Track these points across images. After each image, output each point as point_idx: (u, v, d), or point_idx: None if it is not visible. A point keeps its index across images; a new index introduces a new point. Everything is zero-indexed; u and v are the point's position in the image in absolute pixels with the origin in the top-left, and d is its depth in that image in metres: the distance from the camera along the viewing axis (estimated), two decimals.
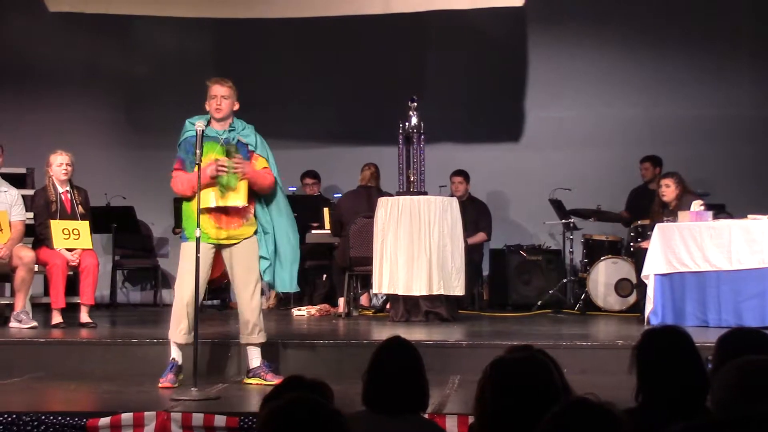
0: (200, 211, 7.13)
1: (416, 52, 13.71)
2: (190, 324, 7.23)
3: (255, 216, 7.47)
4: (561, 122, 13.53)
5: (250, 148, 7.47)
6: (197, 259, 7.06)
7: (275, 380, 6.99)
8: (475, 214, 12.29)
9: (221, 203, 7.31)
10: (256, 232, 7.47)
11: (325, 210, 12.10)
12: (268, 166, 7.49)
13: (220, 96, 7.52)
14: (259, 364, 7.43)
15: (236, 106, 7.62)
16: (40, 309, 10.22)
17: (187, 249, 7.32)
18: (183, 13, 12.58)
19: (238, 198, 7.31)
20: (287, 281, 7.61)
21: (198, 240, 7.04)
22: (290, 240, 7.58)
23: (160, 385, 7.18)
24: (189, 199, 7.38)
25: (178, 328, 7.30)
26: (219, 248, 7.46)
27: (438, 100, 12.71)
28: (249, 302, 7.44)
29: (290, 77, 13.70)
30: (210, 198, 7.28)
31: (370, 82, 13.52)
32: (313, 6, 12.24)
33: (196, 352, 6.99)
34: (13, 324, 9.48)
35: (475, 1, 12.09)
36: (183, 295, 7.32)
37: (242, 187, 7.31)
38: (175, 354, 7.38)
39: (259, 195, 7.46)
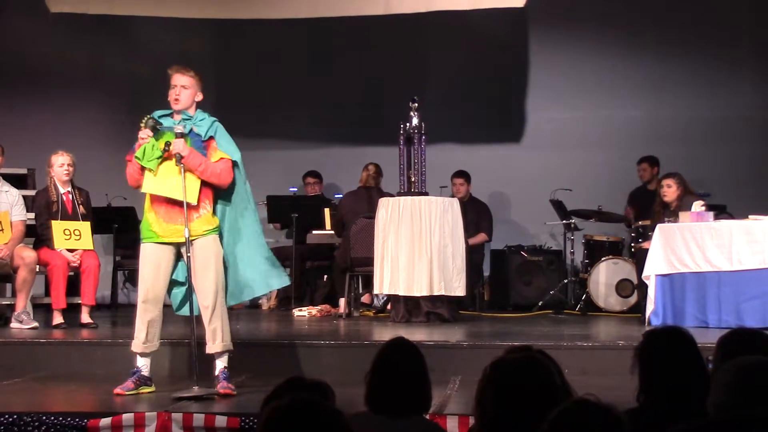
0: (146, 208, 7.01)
1: (417, 52, 13.71)
2: (152, 333, 7.03)
3: (216, 214, 7.12)
4: (562, 123, 13.53)
5: (203, 138, 7.08)
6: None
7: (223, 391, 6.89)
8: (476, 215, 12.29)
9: (162, 192, 7.00)
10: (215, 232, 7.07)
11: (326, 210, 12.10)
12: (227, 159, 7.11)
13: (180, 86, 7.12)
14: (216, 374, 7.10)
15: (199, 97, 7.19)
16: (41, 309, 10.24)
17: (143, 251, 7.12)
18: (184, 14, 12.58)
19: (175, 190, 6.93)
20: (262, 283, 7.35)
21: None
22: (256, 241, 7.30)
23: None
24: (138, 188, 7.17)
25: (137, 338, 7.06)
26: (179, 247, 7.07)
27: (439, 100, 12.71)
28: (204, 308, 7.05)
29: (291, 78, 13.71)
30: (148, 183, 7.02)
31: (371, 83, 13.52)
32: (314, 7, 12.23)
33: (195, 350, 6.97)
34: (14, 324, 9.49)
35: (475, 2, 12.09)
36: (140, 301, 7.09)
37: (192, 183, 6.95)
38: (140, 363, 7.11)
39: (219, 192, 7.13)
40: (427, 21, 12.66)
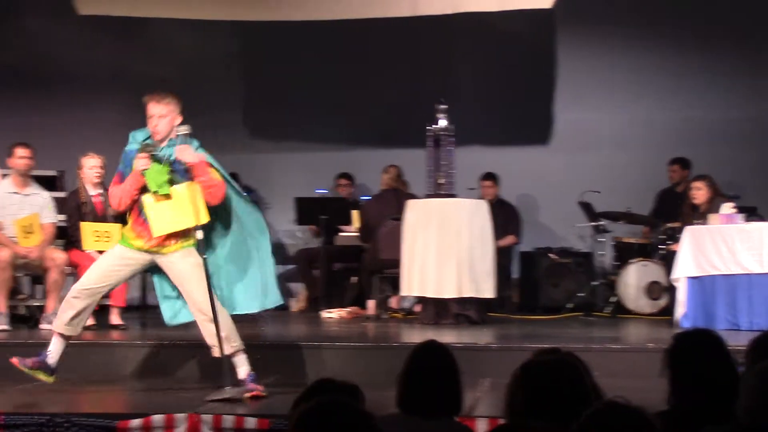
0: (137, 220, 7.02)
1: (444, 54, 13.68)
2: (81, 316, 7.05)
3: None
4: (590, 124, 13.48)
5: (189, 161, 7.00)
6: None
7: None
8: (504, 217, 12.26)
9: (177, 227, 6.93)
10: (190, 245, 7.03)
11: (354, 212, 12.11)
12: (218, 178, 7.05)
13: (157, 116, 7.06)
14: (243, 377, 7.07)
15: (178, 120, 7.08)
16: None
17: (113, 249, 7.17)
18: (209, 16, 12.62)
19: (186, 218, 6.87)
20: (249, 301, 7.29)
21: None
22: (248, 255, 7.29)
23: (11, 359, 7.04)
24: (123, 213, 7.13)
25: (63, 316, 7.07)
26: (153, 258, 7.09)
27: (466, 102, 12.68)
28: (198, 313, 7.05)
29: (317, 79, 13.70)
30: (157, 224, 6.92)
31: (399, 85, 13.51)
32: (340, 8, 12.25)
33: (223, 352, 6.98)
34: (44, 326, 9.52)
35: (502, 3, 12.08)
36: (80, 283, 7.13)
37: (187, 199, 6.89)
38: (53, 347, 7.10)
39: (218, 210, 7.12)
40: (454, 22, 12.64)
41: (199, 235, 6.88)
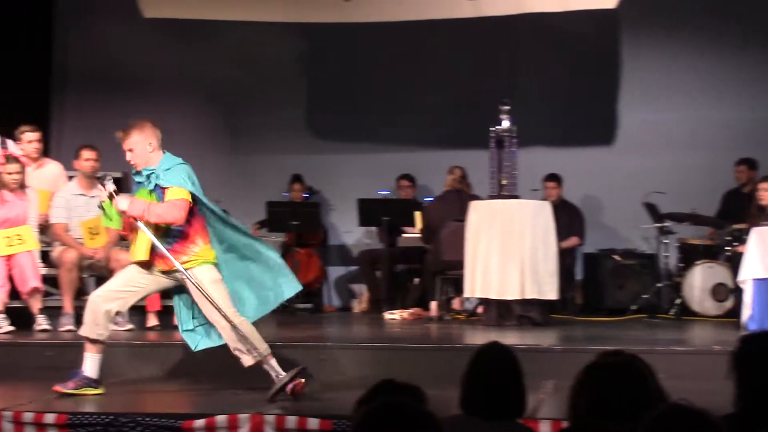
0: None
1: (507, 55, 13.65)
2: (103, 319, 7.16)
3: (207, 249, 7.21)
4: (655, 125, 13.37)
5: (163, 185, 7.09)
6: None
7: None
8: (568, 218, 12.20)
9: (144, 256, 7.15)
10: (200, 263, 7.16)
11: (417, 214, 12.10)
12: (178, 196, 7.05)
13: (128, 151, 7.19)
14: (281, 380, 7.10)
15: (151, 146, 7.16)
16: (136, 312, 10.35)
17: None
18: (276, 18, 12.70)
19: (144, 247, 7.12)
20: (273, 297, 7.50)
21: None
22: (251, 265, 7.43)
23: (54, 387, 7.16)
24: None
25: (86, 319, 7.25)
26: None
27: (530, 103, 12.64)
28: (223, 329, 7.17)
29: (382, 81, 13.73)
30: (136, 252, 7.18)
31: (462, 86, 13.48)
32: (403, 10, 12.26)
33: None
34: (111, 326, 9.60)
35: (566, 4, 12.03)
36: (102, 287, 7.40)
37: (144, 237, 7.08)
38: (86, 360, 7.24)
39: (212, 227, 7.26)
40: (517, 23, 12.61)
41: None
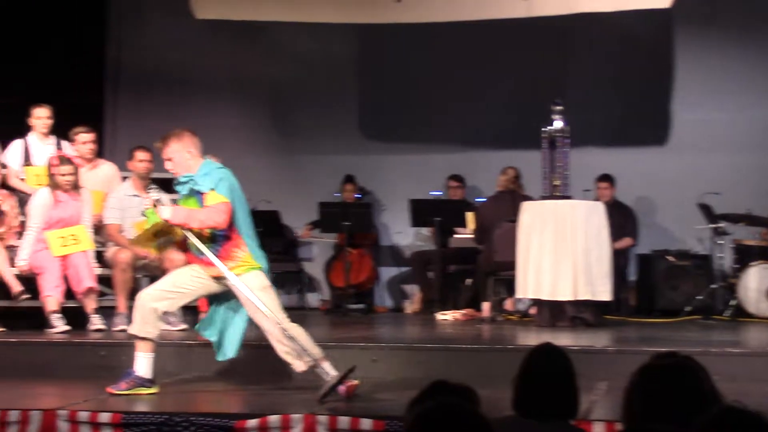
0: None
1: (559, 55, 13.60)
2: (153, 317, 7.21)
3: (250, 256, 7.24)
4: (709, 125, 13.27)
5: (200, 190, 7.18)
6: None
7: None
8: (621, 219, 12.14)
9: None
10: (248, 270, 7.21)
11: (469, 214, 12.08)
12: (217, 200, 7.10)
13: (166, 160, 7.29)
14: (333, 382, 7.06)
15: (190, 154, 7.25)
16: (189, 312, 10.41)
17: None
18: (327, 19, 12.71)
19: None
20: None
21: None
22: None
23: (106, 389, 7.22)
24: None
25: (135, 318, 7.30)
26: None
27: (582, 103, 12.59)
28: (271, 335, 7.23)
29: (432, 81, 13.72)
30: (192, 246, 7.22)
31: (513, 86, 13.46)
32: (455, 10, 12.24)
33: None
34: (163, 326, 9.66)
35: (619, 4, 11.96)
36: (152, 286, 7.53)
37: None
38: (138, 359, 7.28)
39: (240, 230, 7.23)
40: (570, 23, 12.56)
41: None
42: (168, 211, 7.13)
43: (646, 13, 12.14)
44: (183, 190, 7.27)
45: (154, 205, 7.21)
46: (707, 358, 4.60)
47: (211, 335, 7.45)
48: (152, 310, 7.20)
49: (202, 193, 7.13)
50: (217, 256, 7.15)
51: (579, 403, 4.14)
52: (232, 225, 7.16)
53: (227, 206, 7.09)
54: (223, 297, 7.39)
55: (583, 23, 12.61)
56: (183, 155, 7.22)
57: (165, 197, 10.07)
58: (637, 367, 3.48)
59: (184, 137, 7.28)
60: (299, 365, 7.17)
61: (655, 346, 7.88)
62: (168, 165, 7.29)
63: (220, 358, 7.49)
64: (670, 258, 12.40)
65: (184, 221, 7.08)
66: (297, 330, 7.17)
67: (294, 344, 7.11)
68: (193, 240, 7.11)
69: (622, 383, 3.52)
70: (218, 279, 7.24)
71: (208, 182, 7.12)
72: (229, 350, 7.42)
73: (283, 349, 7.18)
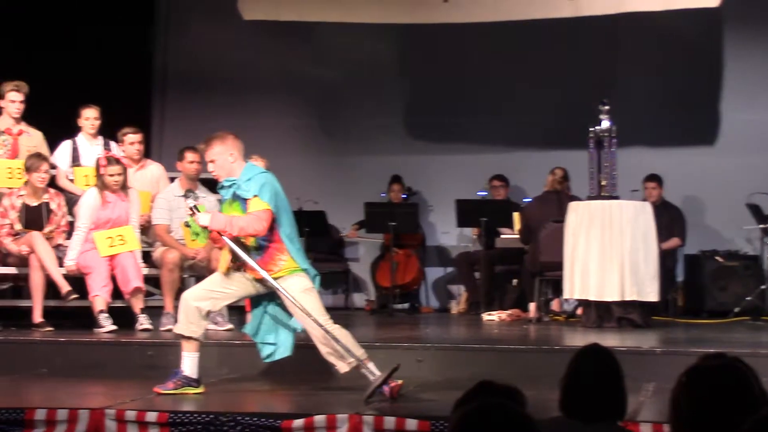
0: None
1: (606, 54, 13.53)
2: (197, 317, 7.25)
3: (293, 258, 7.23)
4: (758, 125, 13.15)
5: (243, 196, 7.17)
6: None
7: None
8: (669, 219, 12.07)
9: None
10: (291, 272, 7.22)
11: (515, 215, 12.05)
12: (259, 207, 7.09)
13: (209, 162, 7.29)
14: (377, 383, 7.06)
15: (233, 156, 7.22)
16: (235, 312, 10.45)
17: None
18: (374, 19, 12.73)
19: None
20: None
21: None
22: None
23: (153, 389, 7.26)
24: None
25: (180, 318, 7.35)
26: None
27: (630, 103, 12.52)
28: (315, 336, 7.24)
29: (478, 81, 13.70)
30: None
31: (560, 86, 13.40)
32: (501, 10, 12.21)
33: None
34: (209, 326, 9.70)
35: (667, 3, 11.89)
36: (197, 285, 7.64)
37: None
38: (184, 359, 7.31)
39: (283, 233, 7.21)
40: (617, 22, 12.50)
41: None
42: (207, 218, 7.15)
43: (695, 13, 12.06)
44: (227, 194, 7.29)
45: (192, 213, 7.22)
46: (756, 360, 4.56)
47: (262, 337, 7.47)
48: (196, 310, 7.23)
49: (246, 199, 7.14)
50: (260, 260, 7.17)
51: (626, 405, 4.11)
52: (275, 229, 7.17)
53: (268, 214, 7.09)
54: (269, 297, 7.40)
55: (631, 22, 12.55)
56: (226, 158, 7.22)
57: (213, 198, 10.12)
58: (684, 368, 3.46)
59: (227, 140, 7.28)
60: (342, 366, 7.19)
61: (704, 348, 7.82)
62: (210, 167, 7.31)
63: (274, 358, 7.51)
64: (719, 258, 12.31)
65: (224, 228, 7.10)
66: (340, 331, 7.18)
67: (336, 345, 7.12)
68: (232, 246, 7.14)
69: (669, 385, 3.49)
70: (262, 281, 7.25)
71: (251, 188, 7.13)
72: (282, 351, 7.46)
73: (326, 350, 7.20)
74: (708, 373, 3.39)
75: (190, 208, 7.25)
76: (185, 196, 7.40)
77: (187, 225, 7.51)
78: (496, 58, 13.64)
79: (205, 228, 7.18)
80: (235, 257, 7.21)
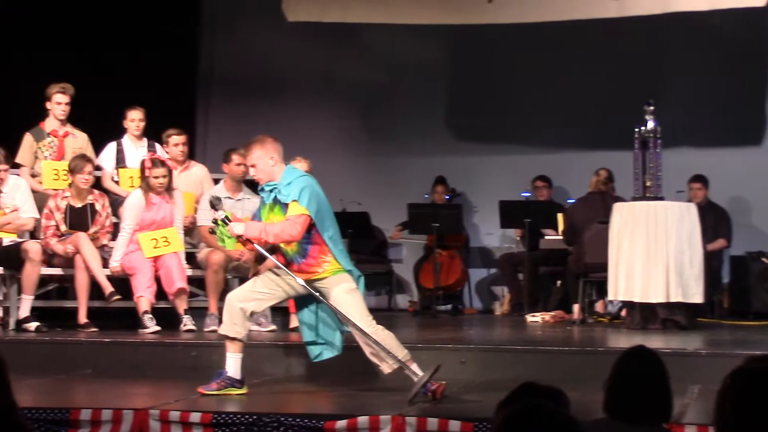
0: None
1: (652, 54, 13.45)
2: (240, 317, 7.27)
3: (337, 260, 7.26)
4: None
5: (283, 201, 7.21)
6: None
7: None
8: (715, 220, 11.99)
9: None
10: (335, 273, 7.25)
11: (559, 216, 12.01)
12: (297, 212, 7.10)
13: (250, 166, 7.35)
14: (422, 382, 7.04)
15: (273, 160, 7.23)
16: (279, 313, 10.47)
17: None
18: (418, 20, 12.72)
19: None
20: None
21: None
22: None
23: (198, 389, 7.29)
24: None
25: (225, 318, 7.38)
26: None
27: (675, 103, 12.46)
28: (359, 337, 7.26)
29: (522, 82, 13.66)
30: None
31: (604, 86, 13.33)
32: (545, 10, 12.17)
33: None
34: (252, 327, 9.73)
35: (713, 3, 11.82)
36: (242, 286, 7.67)
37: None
38: (228, 360, 7.34)
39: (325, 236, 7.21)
40: (662, 22, 12.42)
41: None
42: (241, 227, 7.19)
43: (741, 13, 11.97)
44: (267, 198, 7.30)
45: (225, 223, 7.24)
46: None
47: (311, 337, 7.50)
48: (240, 311, 7.26)
49: (286, 204, 7.17)
50: (305, 263, 7.22)
51: (671, 407, 4.09)
52: (317, 232, 7.18)
53: (305, 219, 7.11)
54: (313, 299, 7.41)
55: (677, 22, 12.47)
56: (266, 161, 7.25)
57: (256, 200, 10.14)
58: (730, 370, 3.43)
59: (266, 143, 7.30)
60: (385, 367, 7.20)
61: (749, 350, 7.76)
62: (252, 171, 7.36)
63: (323, 358, 7.53)
64: (765, 260, 12.21)
65: (258, 236, 7.15)
66: (383, 333, 7.19)
67: (379, 347, 7.12)
68: (261, 251, 7.22)
69: (714, 387, 3.46)
70: (307, 282, 7.26)
71: (291, 192, 7.14)
72: (331, 350, 7.49)
73: (369, 351, 7.21)
74: (754, 375, 3.36)
75: (221, 220, 7.26)
76: (212, 205, 7.39)
77: (212, 232, 7.52)
78: (540, 59, 13.59)
79: (238, 236, 7.21)
80: (260, 259, 7.28)
